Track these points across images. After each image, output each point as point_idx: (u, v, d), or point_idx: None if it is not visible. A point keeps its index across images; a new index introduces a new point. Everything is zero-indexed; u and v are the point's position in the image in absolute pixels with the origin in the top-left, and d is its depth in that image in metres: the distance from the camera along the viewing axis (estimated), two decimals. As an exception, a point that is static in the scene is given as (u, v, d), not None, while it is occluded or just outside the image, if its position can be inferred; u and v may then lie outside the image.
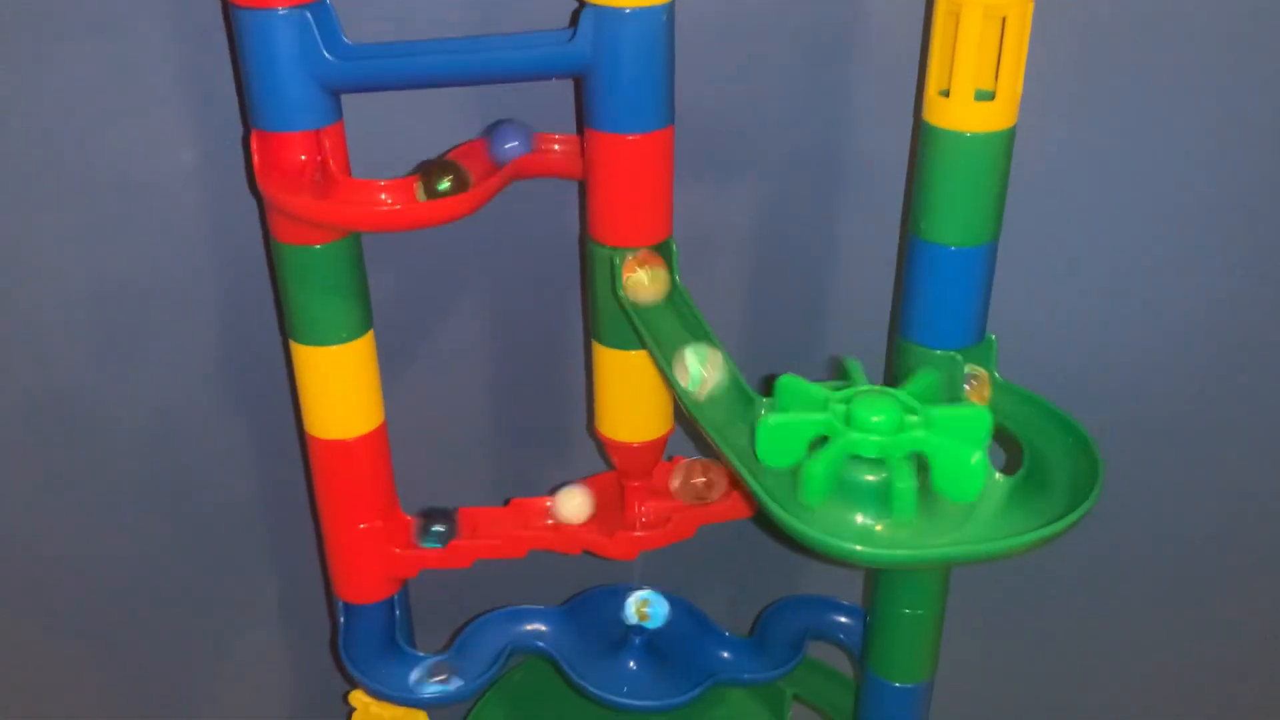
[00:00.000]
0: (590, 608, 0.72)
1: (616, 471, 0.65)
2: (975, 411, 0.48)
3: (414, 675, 0.64)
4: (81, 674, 0.84)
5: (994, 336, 0.59)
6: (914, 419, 0.47)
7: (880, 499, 0.47)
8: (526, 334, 0.72)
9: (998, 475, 0.50)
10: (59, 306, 0.69)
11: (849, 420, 0.47)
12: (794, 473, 0.48)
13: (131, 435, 0.74)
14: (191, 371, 0.72)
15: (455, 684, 0.63)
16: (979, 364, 0.58)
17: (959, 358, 0.57)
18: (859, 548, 0.45)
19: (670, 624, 0.71)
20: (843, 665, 0.79)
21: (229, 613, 0.83)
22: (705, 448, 0.73)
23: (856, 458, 0.47)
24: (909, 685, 0.66)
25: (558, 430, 0.75)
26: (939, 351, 0.57)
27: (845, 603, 0.75)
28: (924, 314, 0.57)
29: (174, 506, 0.77)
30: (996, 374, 0.58)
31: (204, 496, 0.77)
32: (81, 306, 0.69)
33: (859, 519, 0.47)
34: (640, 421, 0.62)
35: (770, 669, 0.69)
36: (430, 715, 0.73)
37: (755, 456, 0.48)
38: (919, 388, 0.50)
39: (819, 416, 0.47)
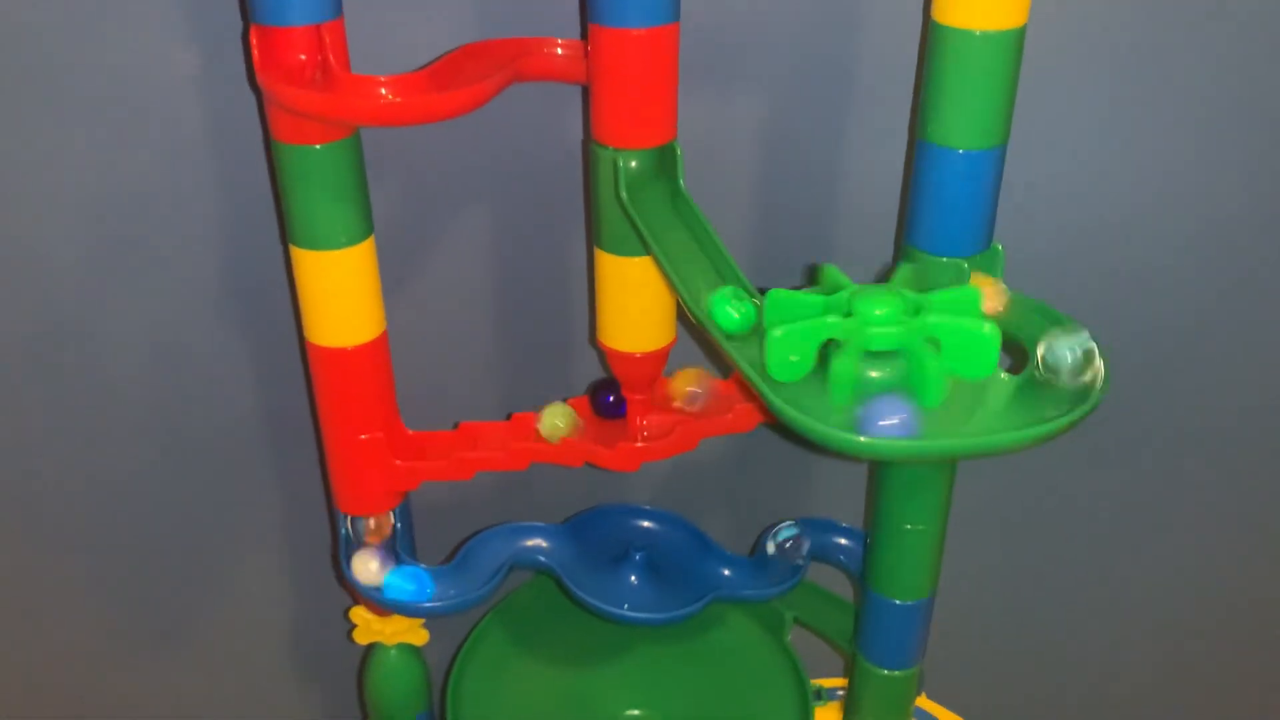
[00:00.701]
0: (592, 525, 0.72)
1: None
2: (966, 290, 0.48)
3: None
4: (82, 598, 0.85)
5: (1001, 246, 0.58)
6: (914, 307, 0.47)
7: (904, 391, 0.47)
8: (528, 243, 0.71)
9: (1004, 374, 0.50)
10: (53, 217, 0.68)
11: (855, 319, 0.47)
12: (805, 384, 0.48)
13: (131, 351, 0.73)
14: (192, 283, 0.71)
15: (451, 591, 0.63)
16: (986, 273, 0.57)
17: (965, 266, 0.57)
18: (862, 439, 0.45)
19: (670, 542, 0.72)
20: (842, 590, 0.79)
21: (231, 533, 0.83)
22: (717, 361, 0.72)
23: (870, 354, 0.47)
24: (910, 603, 0.66)
25: (560, 342, 0.74)
26: (945, 259, 0.57)
27: (845, 525, 0.75)
28: (931, 220, 0.56)
29: (176, 424, 0.77)
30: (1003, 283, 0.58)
31: (206, 414, 0.77)
32: (77, 217, 0.68)
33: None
34: (642, 331, 0.61)
35: (770, 586, 0.69)
36: (431, 632, 0.73)
37: (765, 370, 0.48)
38: (903, 281, 0.50)
39: (828, 320, 0.47)
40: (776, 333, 0.46)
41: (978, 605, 0.88)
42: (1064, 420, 0.46)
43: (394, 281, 0.66)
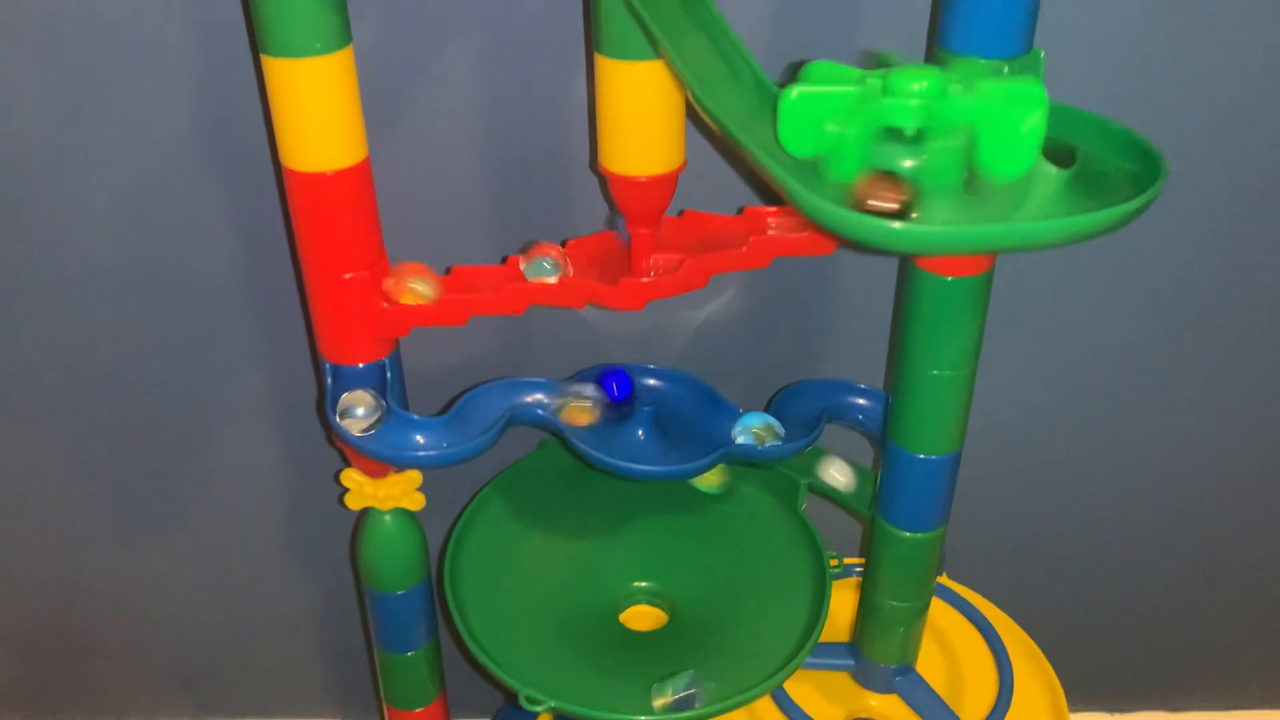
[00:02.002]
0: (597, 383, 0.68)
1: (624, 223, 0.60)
2: (1029, 85, 0.42)
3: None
4: (67, 477, 0.81)
5: (1042, 50, 0.53)
6: (959, 90, 0.42)
7: (918, 177, 0.42)
8: (522, 61, 0.65)
9: (1050, 168, 0.45)
10: (11, 56, 0.63)
11: (885, 91, 0.42)
12: (821, 161, 0.43)
13: (100, 207, 0.69)
14: (166, 126, 0.66)
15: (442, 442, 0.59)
16: (1028, 75, 0.52)
17: (1005, 68, 0.51)
18: (895, 225, 0.40)
19: (679, 400, 0.67)
20: (859, 456, 0.75)
21: (217, 402, 0.79)
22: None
23: (893, 135, 0.42)
24: (935, 457, 0.62)
25: (559, 177, 0.69)
26: (982, 61, 0.51)
27: (864, 385, 0.71)
28: (967, 16, 0.51)
29: (152, 284, 0.73)
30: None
31: (185, 277, 0.73)
32: (37, 56, 0.63)
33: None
34: (648, 151, 0.56)
35: (785, 443, 0.65)
36: (429, 501, 0.69)
37: (779, 144, 0.43)
38: (963, 72, 0.45)
39: (850, 87, 0.42)
40: (791, 94, 0.41)
41: (996, 480, 0.84)
42: (1123, 208, 0.42)
43: (376, 109, 0.62)
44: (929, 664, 0.75)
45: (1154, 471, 0.84)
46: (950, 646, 0.79)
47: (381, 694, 0.78)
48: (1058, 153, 0.50)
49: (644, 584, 0.73)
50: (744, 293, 0.73)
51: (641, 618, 0.72)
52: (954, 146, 0.40)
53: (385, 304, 0.59)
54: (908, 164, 0.42)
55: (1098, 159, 0.47)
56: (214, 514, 0.84)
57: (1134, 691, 0.97)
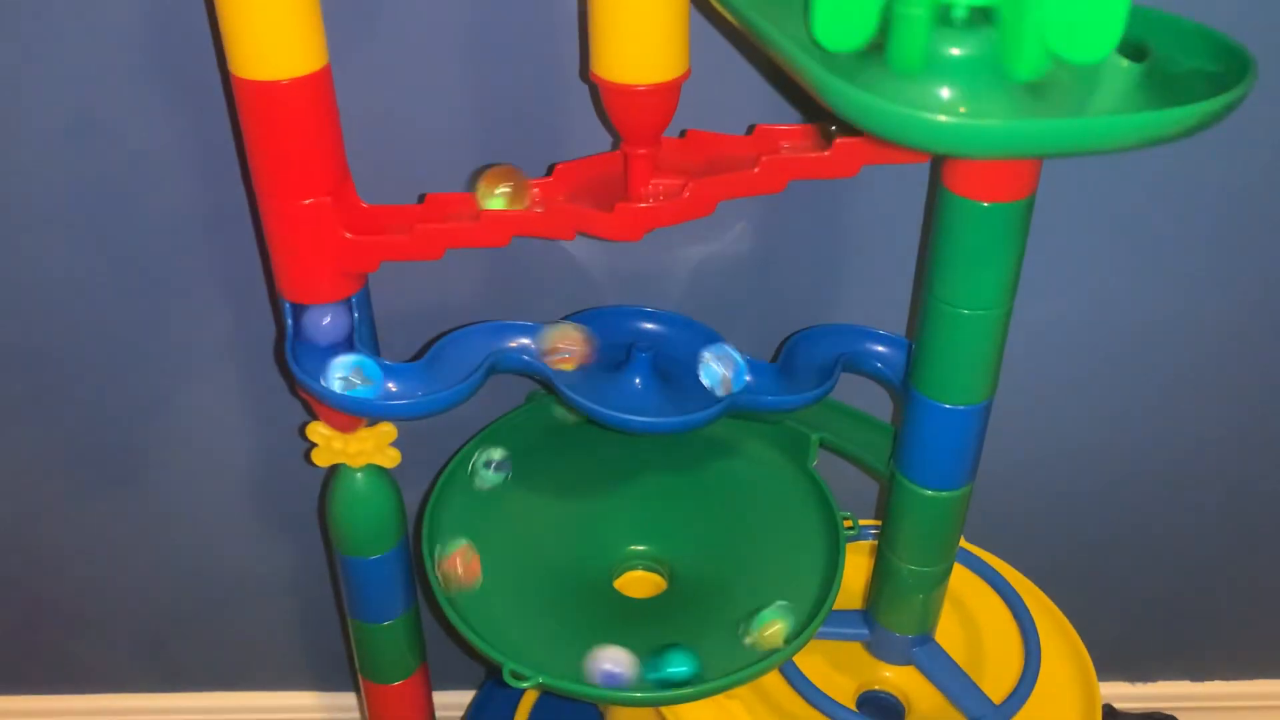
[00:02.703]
0: (589, 327, 0.61)
1: (620, 143, 0.54)
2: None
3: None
4: (13, 433, 0.75)
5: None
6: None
7: (977, 69, 0.35)
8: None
9: (1122, 60, 0.39)
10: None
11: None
12: (862, 55, 0.36)
13: (47, 132, 0.62)
14: (107, 40, 0.59)
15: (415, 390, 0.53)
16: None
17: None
18: (949, 120, 0.34)
19: (680, 346, 0.61)
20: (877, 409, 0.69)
21: (174, 350, 0.72)
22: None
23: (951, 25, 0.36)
24: (964, 407, 0.56)
25: (546, 90, 0.62)
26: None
27: (884, 332, 0.65)
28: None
29: (100, 224, 0.66)
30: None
31: (135, 211, 0.66)
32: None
33: (946, 93, 0.36)
34: (646, 56, 0.49)
35: (797, 393, 0.59)
36: (406, 458, 0.63)
37: (812, 38, 0.37)
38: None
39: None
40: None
41: (1017, 434, 0.79)
42: (1201, 107, 0.35)
43: (338, 14, 0.55)
44: (948, 634, 0.70)
45: (1185, 431, 0.79)
46: (970, 615, 0.74)
47: (356, 666, 0.72)
48: (1126, 53, 0.43)
49: (640, 548, 0.67)
50: (753, 228, 0.66)
51: (638, 584, 0.67)
52: (1020, 24, 0.33)
53: (349, 234, 0.52)
54: (960, 52, 0.35)
55: (1172, 60, 0.41)
56: (174, 471, 0.78)
57: (1156, 660, 0.93)
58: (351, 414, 0.55)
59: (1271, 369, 0.76)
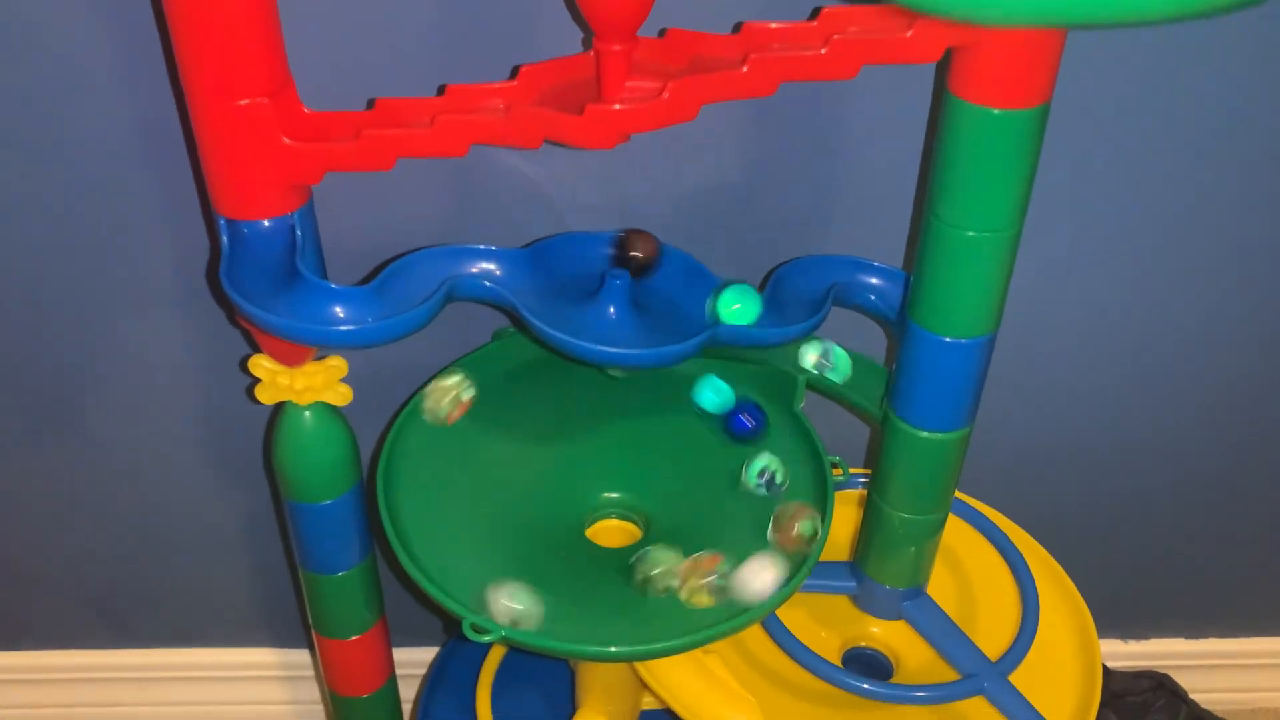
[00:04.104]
0: (558, 253, 0.56)
1: (593, 41, 0.48)
2: None
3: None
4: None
5: None
6: None
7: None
8: None
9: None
10: None
11: None
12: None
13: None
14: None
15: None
16: None
17: None
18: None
19: (659, 276, 0.56)
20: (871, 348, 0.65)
21: (107, 280, 0.67)
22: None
23: None
24: (966, 341, 0.51)
25: None
26: None
27: (878, 264, 0.60)
28: None
29: (22, 144, 0.60)
30: None
31: (61, 126, 0.60)
32: None
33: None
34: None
35: (784, 325, 0.54)
36: (361, 399, 0.58)
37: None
38: None
39: None
40: None
41: (1014, 376, 0.74)
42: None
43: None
44: (939, 588, 0.66)
45: (1185, 383, 0.75)
46: (962, 568, 0.70)
47: (310, 621, 0.68)
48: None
49: (614, 495, 0.62)
50: (738, 149, 0.61)
51: (611, 533, 0.62)
52: None
53: (288, 139, 0.47)
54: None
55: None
56: (112, 414, 0.73)
57: (1150, 617, 0.89)
58: (294, 341, 0.50)
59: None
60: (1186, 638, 0.91)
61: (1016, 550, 0.66)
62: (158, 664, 0.88)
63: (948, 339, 0.52)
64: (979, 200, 0.48)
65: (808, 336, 0.60)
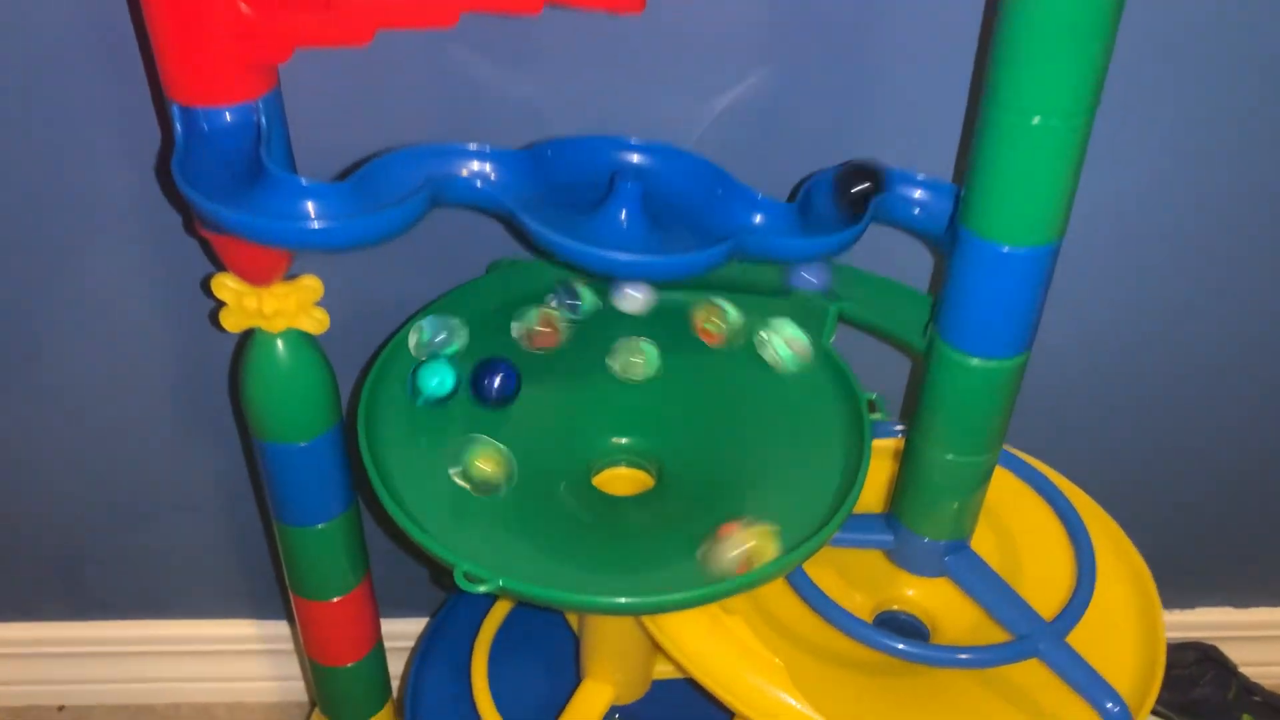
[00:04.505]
0: (561, 157, 0.49)
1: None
2: None
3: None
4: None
5: None
6: None
7: None
8: None
9: None
10: None
11: None
12: None
13: None
14: None
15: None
16: None
17: None
18: None
19: (675, 183, 0.50)
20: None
21: (60, 197, 0.60)
22: None
23: None
24: (1027, 250, 0.45)
25: None
26: None
27: (924, 177, 0.53)
28: None
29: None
30: None
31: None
32: None
33: None
34: None
35: (819, 235, 0.48)
36: (342, 332, 0.52)
37: None
38: None
39: None
40: None
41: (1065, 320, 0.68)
42: None
43: None
44: (977, 547, 0.60)
45: (1239, 334, 0.68)
46: (1002, 524, 0.63)
47: (286, 581, 0.61)
48: None
49: (624, 440, 0.56)
50: (764, 54, 0.55)
51: (620, 482, 0.56)
52: None
53: (246, 7, 0.40)
54: None
55: None
56: (63, 353, 0.66)
57: (1196, 586, 0.84)
58: (258, 241, 0.43)
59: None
60: (1234, 607, 0.85)
61: (1068, 502, 0.60)
62: (129, 637, 0.82)
63: (1006, 248, 0.45)
64: (1048, 78, 0.41)
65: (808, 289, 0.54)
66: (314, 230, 0.41)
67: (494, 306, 0.59)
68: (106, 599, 0.80)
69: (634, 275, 0.44)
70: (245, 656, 0.83)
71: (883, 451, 0.64)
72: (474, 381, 0.53)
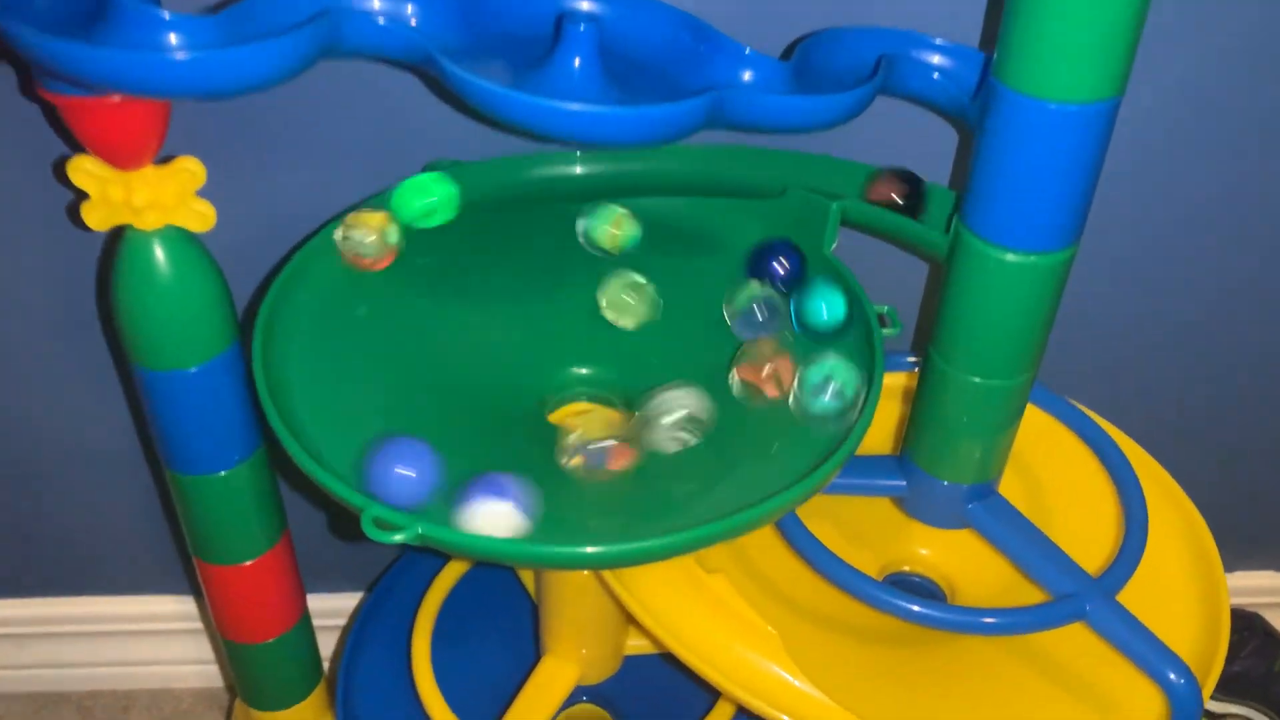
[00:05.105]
0: (492, 4, 0.40)
1: None
2: None
3: None
4: None
5: None
6: None
7: None
8: None
9: None
10: None
11: None
12: None
13: None
14: None
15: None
16: None
17: None
18: None
19: (640, 34, 0.40)
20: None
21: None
22: None
23: None
24: (1077, 106, 0.35)
25: None
26: None
27: (942, 41, 0.44)
28: None
29: None
30: None
31: None
32: None
33: None
34: None
35: (816, 91, 0.39)
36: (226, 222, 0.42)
37: None
38: None
39: None
40: None
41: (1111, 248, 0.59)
42: None
43: None
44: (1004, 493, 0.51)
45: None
46: (1031, 471, 0.54)
47: (187, 542, 0.52)
48: None
49: (584, 371, 0.48)
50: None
51: (580, 419, 0.47)
52: None
53: None
54: None
55: None
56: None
57: (1237, 549, 0.75)
58: (105, 83, 0.33)
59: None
60: (1278, 570, 0.77)
61: (1111, 442, 0.51)
62: (34, 617, 0.72)
63: (1053, 103, 0.36)
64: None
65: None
66: (176, 64, 0.32)
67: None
68: (6, 574, 0.71)
69: (592, 136, 0.35)
70: (168, 637, 0.74)
71: (891, 391, 0.55)
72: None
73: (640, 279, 0.46)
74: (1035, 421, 0.55)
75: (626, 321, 0.47)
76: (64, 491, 0.65)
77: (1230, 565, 0.75)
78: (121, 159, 0.39)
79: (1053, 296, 0.41)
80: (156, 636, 0.74)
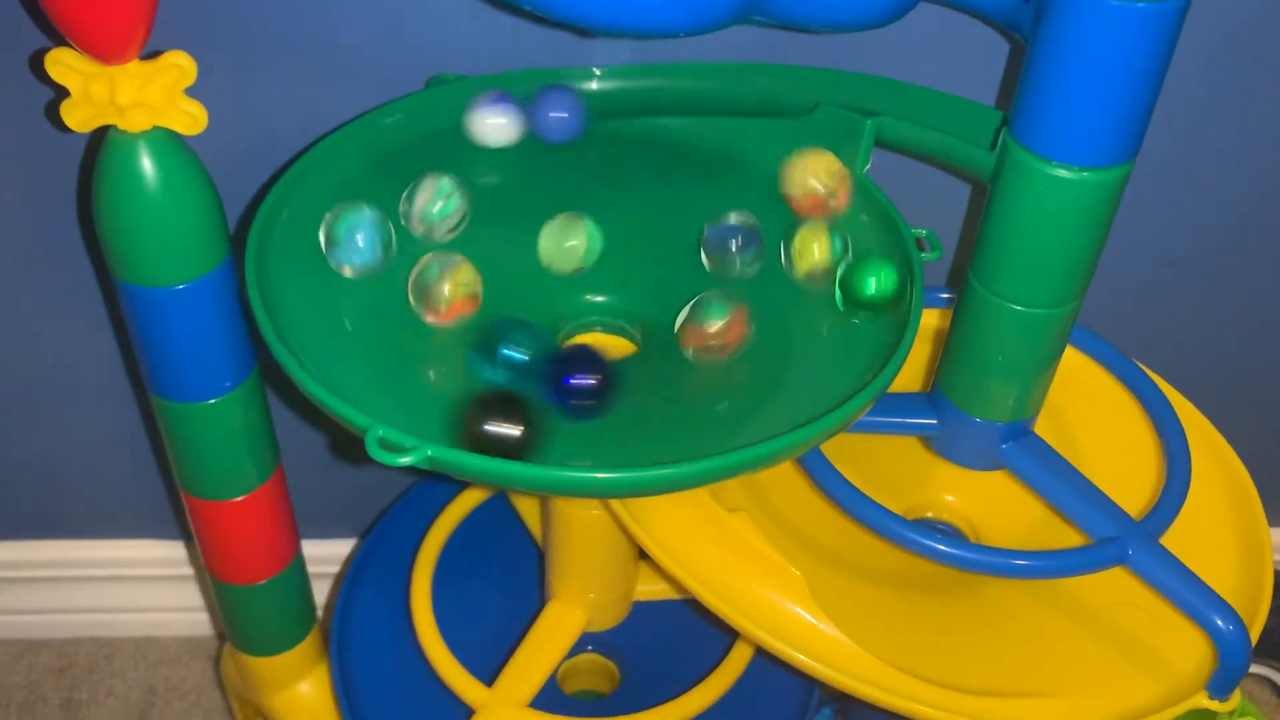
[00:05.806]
0: None
1: None
2: None
3: None
4: None
5: None
6: None
7: None
8: None
9: None
10: None
11: None
12: None
13: None
14: None
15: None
16: None
17: None
18: None
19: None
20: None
21: None
22: None
23: None
24: (1147, 3, 0.33)
25: None
26: None
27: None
28: None
29: None
30: None
31: None
32: None
33: None
34: None
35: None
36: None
37: None
38: None
39: None
40: None
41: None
42: None
43: None
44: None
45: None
46: (1061, 412, 0.51)
47: (174, 476, 0.49)
48: None
49: (600, 298, 0.45)
50: None
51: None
52: None
53: None
54: None
55: None
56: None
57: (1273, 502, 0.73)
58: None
59: None
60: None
61: (1151, 383, 0.49)
62: (13, 560, 0.69)
63: (1117, 0, 0.33)
64: None
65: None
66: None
67: (441, 130, 0.47)
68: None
69: (619, 22, 0.32)
70: (153, 583, 0.71)
71: (921, 333, 0.53)
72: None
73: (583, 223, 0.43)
74: (1066, 360, 0.53)
75: (565, 267, 0.44)
76: (42, 424, 0.62)
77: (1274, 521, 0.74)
78: (105, 51, 0.36)
79: (1105, 217, 0.38)
80: (141, 582, 0.71)
